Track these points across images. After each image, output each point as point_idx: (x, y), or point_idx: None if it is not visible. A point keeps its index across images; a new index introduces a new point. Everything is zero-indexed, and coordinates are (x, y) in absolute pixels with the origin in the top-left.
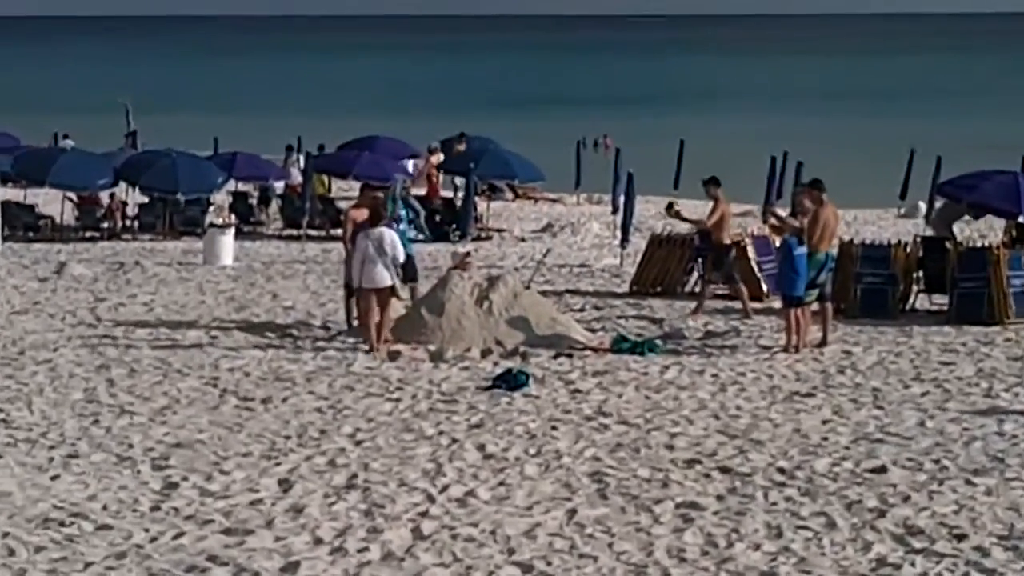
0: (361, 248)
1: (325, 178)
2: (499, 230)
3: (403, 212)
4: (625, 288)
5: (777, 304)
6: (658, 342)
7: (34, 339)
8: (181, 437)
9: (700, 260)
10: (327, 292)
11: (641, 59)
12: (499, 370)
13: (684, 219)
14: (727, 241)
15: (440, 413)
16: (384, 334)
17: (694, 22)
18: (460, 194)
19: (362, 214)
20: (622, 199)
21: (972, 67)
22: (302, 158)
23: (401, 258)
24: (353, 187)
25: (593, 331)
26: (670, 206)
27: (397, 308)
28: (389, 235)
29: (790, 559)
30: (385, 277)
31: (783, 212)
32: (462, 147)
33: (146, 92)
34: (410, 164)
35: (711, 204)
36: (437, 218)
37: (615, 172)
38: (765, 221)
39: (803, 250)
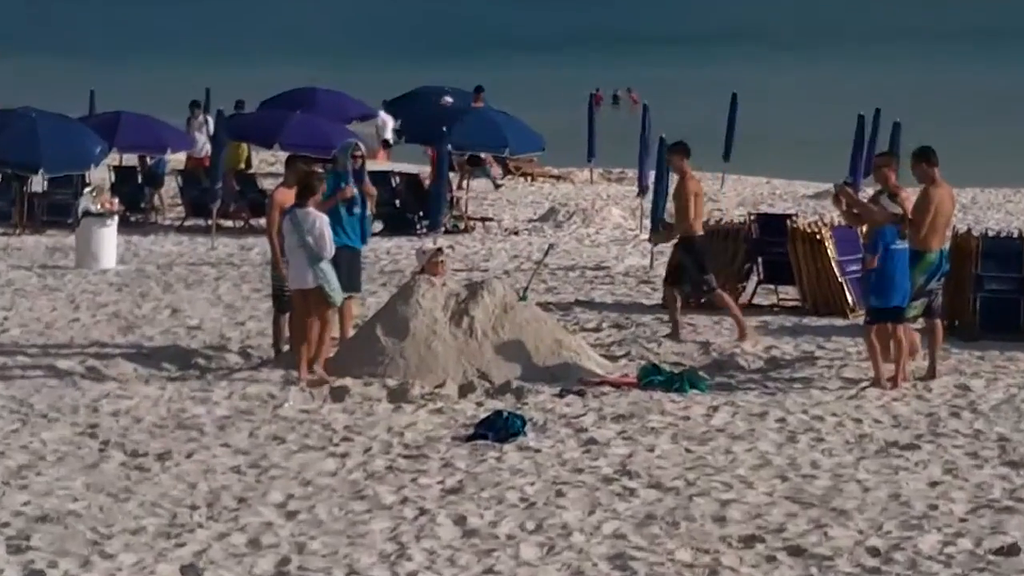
0: (285, 237)
1: (244, 147)
2: (483, 219)
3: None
4: (657, 298)
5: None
6: (703, 374)
7: None
8: (47, 507)
9: (761, 258)
10: (247, 305)
11: None
12: (484, 413)
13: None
14: (699, 231)
15: (403, 473)
16: (318, 356)
17: None
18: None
19: (292, 196)
20: (652, 175)
21: None
22: (211, 119)
23: (325, 251)
24: (281, 159)
25: (614, 359)
26: (658, 228)
27: (349, 318)
28: (314, 218)
29: None
30: (306, 276)
31: (863, 196)
32: (480, 103)
33: None
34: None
35: (678, 180)
36: (397, 203)
37: (643, 137)
38: (837, 202)
39: (904, 246)
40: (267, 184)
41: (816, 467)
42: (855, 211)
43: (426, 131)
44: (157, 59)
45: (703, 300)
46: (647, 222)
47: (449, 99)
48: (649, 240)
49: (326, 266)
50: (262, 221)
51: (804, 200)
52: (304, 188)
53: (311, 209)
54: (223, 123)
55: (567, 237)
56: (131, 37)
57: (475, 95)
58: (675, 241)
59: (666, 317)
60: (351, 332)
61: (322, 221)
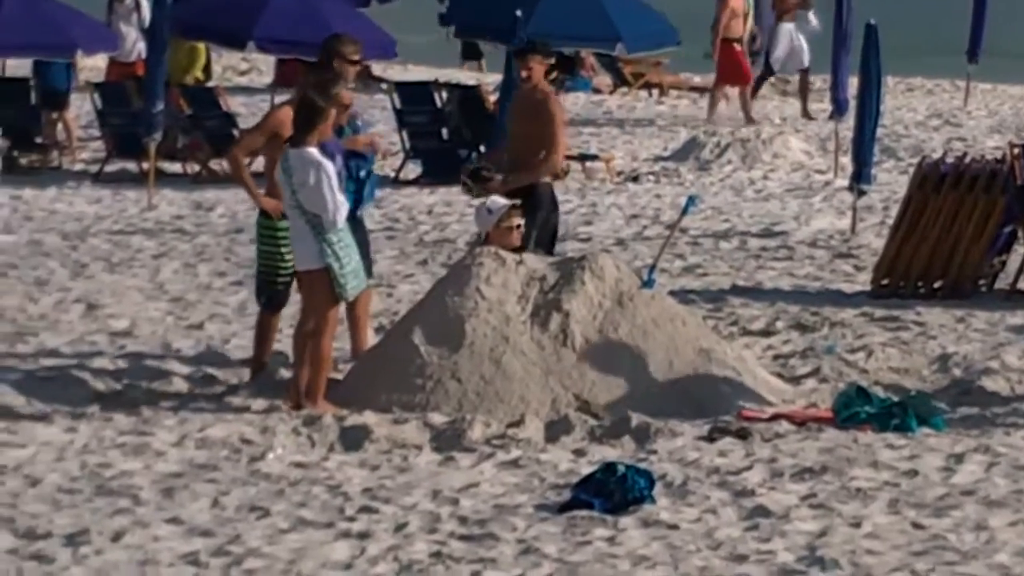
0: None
1: (200, 49)
2: (583, 157)
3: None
4: (864, 283)
5: None
6: (941, 404)
7: None
8: None
9: None
10: (206, 298)
11: None
12: (588, 468)
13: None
14: (545, 178)
15: (459, 564)
16: (316, 378)
17: None
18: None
19: (286, 126)
20: (852, 85)
21: None
22: (146, 4)
23: (326, 211)
24: (258, 66)
25: (795, 380)
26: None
27: (366, 317)
28: (309, 162)
29: None
30: (307, 251)
31: None
32: None
33: None
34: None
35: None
36: (443, 133)
37: (841, 24)
38: None
39: None
40: (238, 105)
41: None
42: None
43: (487, 17)
44: None
45: None
46: (847, 158)
47: None
48: (849, 189)
49: (340, 237)
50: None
51: None
52: (303, 117)
53: (308, 151)
54: (165, 10)
55: (718, 185)
56: None
57: None
58: None
59: (879, 314)
60: (369, 340)
61: (322, 169)
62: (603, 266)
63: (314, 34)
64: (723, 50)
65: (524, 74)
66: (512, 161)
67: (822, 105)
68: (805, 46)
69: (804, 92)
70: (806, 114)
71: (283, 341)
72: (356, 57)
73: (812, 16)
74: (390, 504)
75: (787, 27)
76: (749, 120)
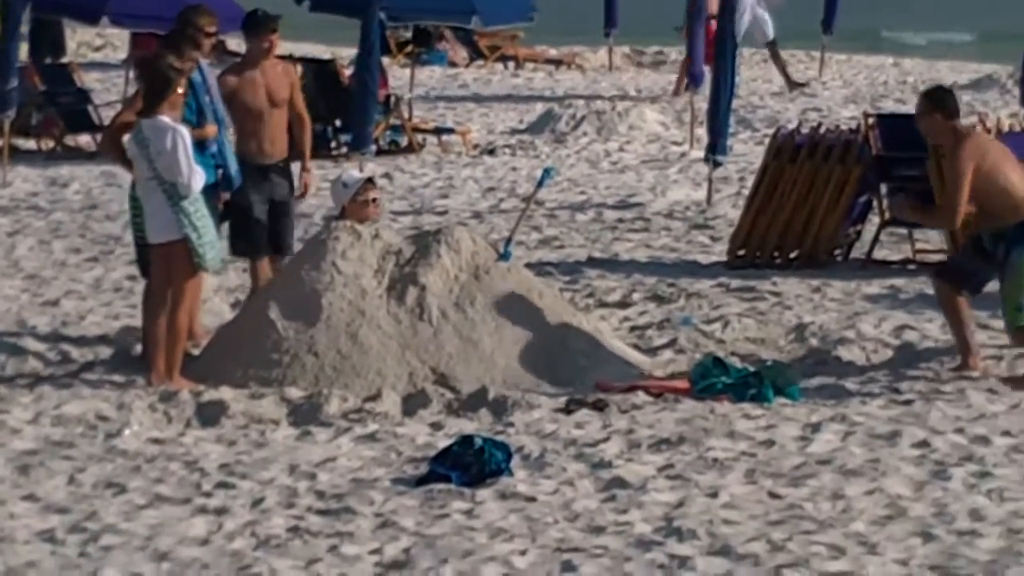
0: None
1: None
2: (439, 130)
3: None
4: (721, 253)
5: None
6: (797, 374)
7: None
8: None
9: (886, 186)
10: (62, 275)
11: None
12: (445, 441)
13: None
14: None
15: (316, 539)
16: (172, 351)
17: None
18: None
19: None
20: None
21: None
22: None
23: (183, 177)
24: (113, 41)
25: (651, 351)
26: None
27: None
28: (165, 130)
29: None
30: (164, 223)
31: None
32: None
33: None
34: None
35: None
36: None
37: None
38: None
39: None
40: (93, 81)
41: (979, 518)
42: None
43: None
44: None
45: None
46: (702, 129)
47: None
48: (705, 160)
49: (195, 207)
50: (84, 139)
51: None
52: (153, 86)
53: (162, 119)
54: None
55: (574, 158)
56: None
57: None
58: None
59: (735, 284)
60: (226, 315)
61: (178, 134)
62: (459, 239)
63: (169, 7)
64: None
65: None
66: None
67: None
68: (767, 17)
69: (779, 62)
70: (791, 84)
71: (136, 317)
72: (212, 29)
73: None
74: (247, 479)
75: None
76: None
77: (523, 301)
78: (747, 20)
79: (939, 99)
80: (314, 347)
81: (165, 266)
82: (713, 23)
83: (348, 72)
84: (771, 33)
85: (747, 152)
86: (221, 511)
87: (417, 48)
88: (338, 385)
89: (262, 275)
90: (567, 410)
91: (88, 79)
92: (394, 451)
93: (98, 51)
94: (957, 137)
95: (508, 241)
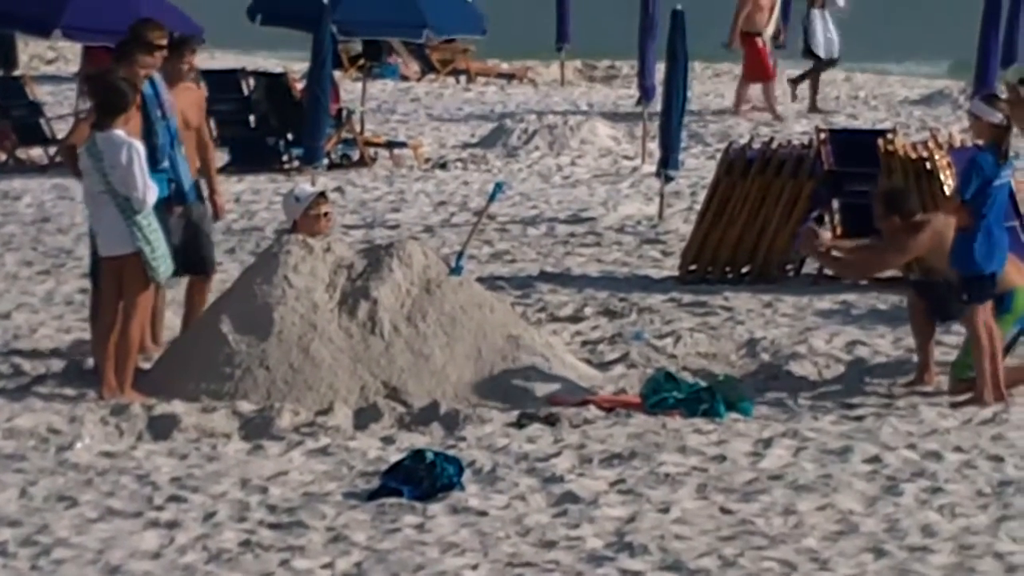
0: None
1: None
2: (390, 144)
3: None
4: (672, 268)
5: None
6: (743, 387)
7: None
8: None
9: (838, 201)
10: (13, 288)
11: None
12: (396, 455)
13: None
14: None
15: (267, 552)
16: (123, 365)
17: None
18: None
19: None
20: (658, 71)
21: None
22: None
23: (137, 191)
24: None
25: (603, 365)
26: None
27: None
28: (119, 144)
29: None
30: (117, 237)
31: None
32: None
33: None
34: None
35: None
36: (251, 121)
37: (647, 11)
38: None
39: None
40: (44, 94)
41: (930, 534)
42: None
43: (293, 5)
44: None
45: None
46: (655, 145)
47: None
48: (657, 175)
49: (148, 220)
50: (36, 152)
51: (905, 107)
52: (107, 100)
53: (116, 132)
54: None
55: (526, 172)
56: None
57: None
58: None
59: (686, 299)
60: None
61: (133, 149)
62: (411, 253)
63: (121, 21)
64: (746, 44)
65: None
66: None
67: (629, 91)
68: (836, 37)
69: (816, 83)
70: (815, 108)
71: (88, 330)
72: (162, 43)
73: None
74: (199, 493)
75: (819, 14)
76: (775, 116)
77: (475, 315)
78: (821, 35)
79: (895, 203)
80: (266, 361)
81: (116, 279)
82: (758, 39)
83: (300, 86)
84: (837, 52)
85: (699, 167)
86: (173, 525)
87: (369, 61)
88: (290, 399)
89: (195, 295)
90: (519, 424)
91: (40, 92)
92: (346, 465)
93: (50, 64)
94: (917, 228)
95: (460, 255)
